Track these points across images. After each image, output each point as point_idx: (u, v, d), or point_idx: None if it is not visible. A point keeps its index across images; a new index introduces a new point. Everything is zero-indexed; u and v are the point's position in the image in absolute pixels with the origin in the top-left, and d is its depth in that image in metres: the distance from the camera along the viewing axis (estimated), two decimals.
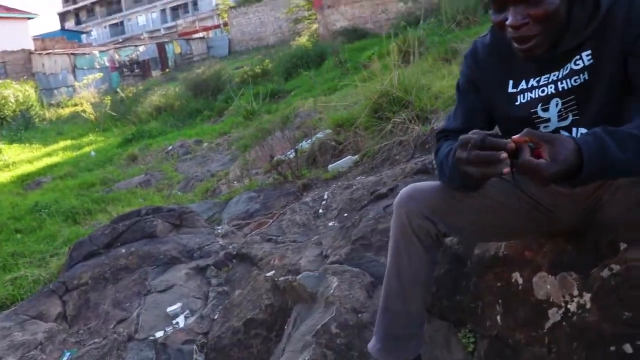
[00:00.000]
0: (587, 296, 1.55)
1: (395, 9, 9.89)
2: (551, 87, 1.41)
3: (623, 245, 1.59)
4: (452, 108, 1.64)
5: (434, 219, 1.52)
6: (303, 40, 17.18)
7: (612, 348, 1.47)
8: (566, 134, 1.45)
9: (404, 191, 1.59)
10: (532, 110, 1.45)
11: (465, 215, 1.55)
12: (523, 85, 1.46)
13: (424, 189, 1.58)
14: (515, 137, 1.21)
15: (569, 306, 1.58)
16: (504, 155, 1.18)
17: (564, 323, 1.58)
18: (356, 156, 3.87)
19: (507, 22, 1.28)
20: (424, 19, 7.03)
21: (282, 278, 2.27)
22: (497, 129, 1.61)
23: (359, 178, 3.51)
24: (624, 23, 1.30)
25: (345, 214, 2.88)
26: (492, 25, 1.53)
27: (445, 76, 5.13)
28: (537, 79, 1.44)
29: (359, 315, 1.90)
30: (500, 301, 1.75)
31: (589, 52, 1.35)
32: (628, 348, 1.44)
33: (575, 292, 1.57)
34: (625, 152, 1.18)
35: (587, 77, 1.37)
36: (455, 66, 5.78)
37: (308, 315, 2.03)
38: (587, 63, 1.36)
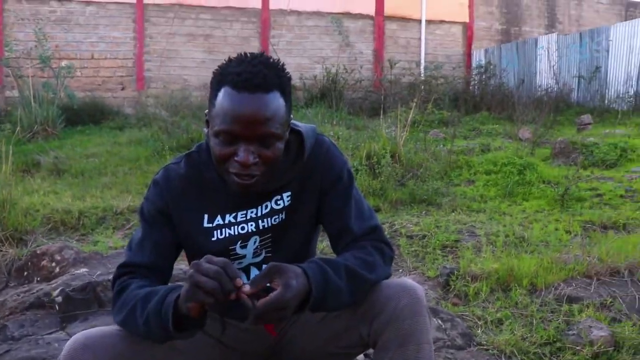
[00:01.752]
0: None
1: None
2: (251, 225, 1.40)
3: None
4: (136, 236, 1.43)
5: None
6: None
7: None
8: (256, 270, 1.45)
9: (75, 340, 1.27)
10: (230, 247, 1.41)
11: None
12: (219, 220, 1.41)
13: (102, 336, 1.30)
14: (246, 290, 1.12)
15: None
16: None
17: None
18: None
19: (238, 158, 1.23)
20: None
21: None
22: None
23: None
24: (322, 168, 1.41)
25: None
26: (186, 154, 1.46)
27: (34, 191, 4.62)
28: (233, 214, 1.41)
29: None
30: None
31: (289, 193, 1.41)
32: None
33: None
34: (341, 279, 1.25)
35: (284, 217, 1.42)
36: (39, 179, 5.29)
37: None
38: (286, 203, 1.41)
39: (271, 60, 1.27)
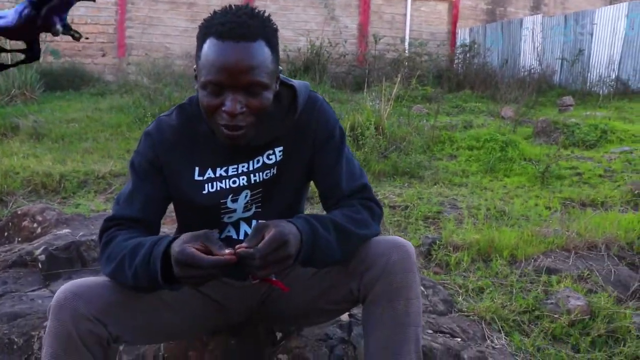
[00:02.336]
0: None
1: None
2: (243, 179, 1.39)
3: (279, 335, 1.65)
4: (125, 190, 1.41)
5: (106, 321, 1.25)
6: None
7: None
8: (246, 225, 1.45)
9: (65, 289, 1.26)
10: (221, 201, 1.40)
11: (140, 315, 1.34)
12: (210, 173, 1.40)
13: (92, 286, 1.29)
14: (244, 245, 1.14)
15: None
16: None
17: None
18: None
19: (225, 108, 1.22)
20: None
21: None
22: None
23: None
24: (316, 124, 1.41)
25: None
26: (178, 106, 1.44)
27: (13, 153, 4.54)
28: (225, 168, 1.40)
29: None
30: None
31: (281, 148, 1.40)
32: None
33: None
34: (329, 233, 1.26)
35: (275, 172, 1.41)
36: (18, 143, 5.20)
37: None
38: (278, 158, 1.40)
39: (256, 11, 1.26)
